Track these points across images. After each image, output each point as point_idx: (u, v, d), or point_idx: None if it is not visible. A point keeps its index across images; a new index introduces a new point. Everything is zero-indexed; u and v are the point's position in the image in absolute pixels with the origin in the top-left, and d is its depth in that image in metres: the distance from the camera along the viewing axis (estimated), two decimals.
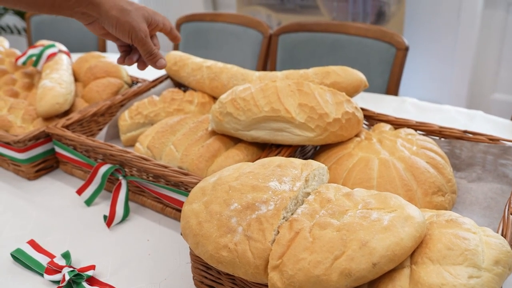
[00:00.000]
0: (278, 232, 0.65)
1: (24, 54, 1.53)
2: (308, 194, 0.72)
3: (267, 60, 1.85)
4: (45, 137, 1.19)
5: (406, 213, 0.63)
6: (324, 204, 0.69)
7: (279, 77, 1.18)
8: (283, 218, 0.66)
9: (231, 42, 1.95)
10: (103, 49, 2.41)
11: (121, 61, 0.97)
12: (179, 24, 2.09)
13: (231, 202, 0.69)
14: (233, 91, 1.02)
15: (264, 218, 0.66)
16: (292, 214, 0.68)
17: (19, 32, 3.55)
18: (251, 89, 1.00)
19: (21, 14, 3.43)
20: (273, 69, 1.82)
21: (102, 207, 1.07)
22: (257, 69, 1.87)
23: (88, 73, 1.43)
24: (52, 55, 1.49)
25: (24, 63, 1.52)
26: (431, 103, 1.42)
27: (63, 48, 1.58)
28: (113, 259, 0.90)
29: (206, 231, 0.68)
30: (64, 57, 1.51)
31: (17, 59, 1.53)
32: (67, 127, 1.19)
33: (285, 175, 0.72)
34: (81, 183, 1.16)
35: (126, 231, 0.99)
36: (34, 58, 1.50)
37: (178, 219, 0.99)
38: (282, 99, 0.95)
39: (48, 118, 1.26)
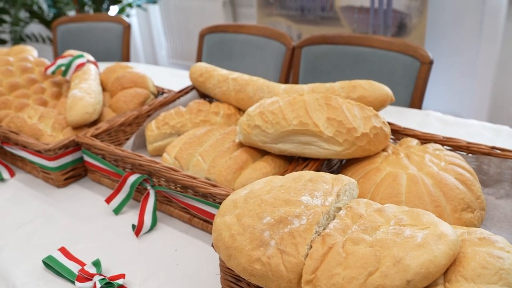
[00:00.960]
0: (311, 246, 0.66)
1: (53, 64, 1.57)
2: (339, 209, 0.73)
3: (289, 72, 1.86)
4: (75, 145, 1.22)
5: (440, 230, 0.63)
6: (356, 220, 0.69)
7: (305, 90, 1.19)
8: (315, 233, 0.67)
9: (254, 53, 1.96)
10: (127, 59, 2.45)
11: None
12: (202, 35, 2.12)
13: (263, 215, 0.70)
14: (261, 104, 1.04)
15: (297, 232, 0.67)
16: (324, 228, 0.69)
17: (43, 41, 3.63)
18: (279, 103, 1.01)
19: (46, 23, 3.50)
20: (296, 81, 1.83)
21: (130, 216, 1.09)
22: (280, 81, 1.88)
23: (116, 83, 1.46)
24: (81, 65, 1.52)
25: (53, 73, 1.56)
26: (454, 116, 1.42)
27: (91, 58, 1.61)
28: (142, 269, 0.92)
29: (239, 244, 0.69)
30: (92, 67, 1.54)
31: (46, 69, 1.57)
32: (95, 136, 1.22)
33: (317, 189, 0.73)
34: (108, 191, 1.18)
35: (154, 240, 1.00)
36: (63, 68, 1.54)
37: (205, 229, 1.00)
38: (310, 113, 0.96)
39: (77, 127, 1.29)
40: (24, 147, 1.25)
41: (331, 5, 2.97)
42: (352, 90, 1.14)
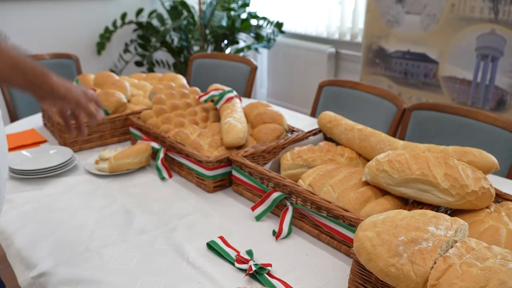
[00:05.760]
0: (435, 262, 0.90)
1: (206, 93, 1.94)
2: (455, 241, 0.97)
3: (397, 130, 2.11)
4: (227, 161, 1.54)
5: None
6: (469, 251, 0.92)
7: (422, 149, 1.44)
8: (438, 254, 0.91)
9: (366, 109, 2.24)
10: (248, 95, 2.82)
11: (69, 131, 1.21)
12: (321, 86, 2.43)
13: (399, 235, 0.95)
14: (389, 154, 1.30)
15: (425, 250, 0.91)
16: (444, 253, 0.93)
17: (169, 67, 4.15)
18: (405, 155, 1.27)
19: (173, 52, 4.02)
20: (402, 139, 2.07)
21: (267, 224, 1.37)
22: None
23: (258, 117, 1.79)
24: (230, 98, 1.88)
25: (205, 101, 1.93)
26: None
27: (236, 93, 1.96)
28: (282, 264, 1.19)
29: (378, 252, 0.94)
30: (237, 101, 1.89)
31: (200, 97, 1.94)
32: (244, 157, 1.54)
33: (440, 224, 0.97)
34: (248, 202, 1.48)
35: (290, 245, 1.27)
36: (215, 98, 1.90)
37: (331, 244, 1.26)
38: (431, 167, 1.21)
39: (230, 147, 1.62)
40: (187, 156, 1.59)
41: (435, 73, 3.20)
42: (464, 154, 1.37)
